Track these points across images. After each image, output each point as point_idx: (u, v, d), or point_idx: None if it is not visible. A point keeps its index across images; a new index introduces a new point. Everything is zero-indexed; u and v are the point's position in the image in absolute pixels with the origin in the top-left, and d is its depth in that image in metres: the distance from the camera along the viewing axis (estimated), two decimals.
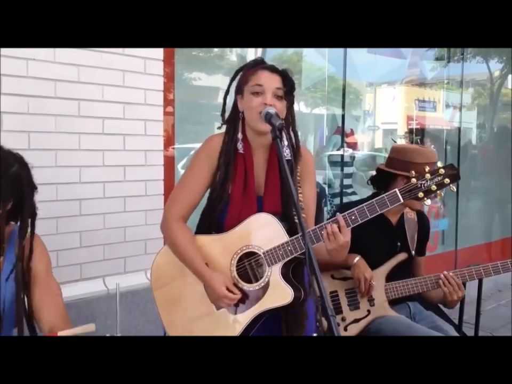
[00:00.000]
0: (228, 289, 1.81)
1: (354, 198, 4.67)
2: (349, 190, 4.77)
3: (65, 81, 2.60)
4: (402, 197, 1.80)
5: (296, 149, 1.95)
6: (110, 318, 2.69)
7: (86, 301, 2.71)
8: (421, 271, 2.70)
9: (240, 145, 1.92)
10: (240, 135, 1.92)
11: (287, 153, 1.85)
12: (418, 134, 6.11)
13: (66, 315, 1.78)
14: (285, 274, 1.84)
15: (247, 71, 1.90)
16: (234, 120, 1.94)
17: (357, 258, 2.43)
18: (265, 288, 1.83)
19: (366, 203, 1.81)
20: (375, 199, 1.82)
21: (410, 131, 6.22)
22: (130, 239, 2.89)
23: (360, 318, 2.47)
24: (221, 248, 1.88)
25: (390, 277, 2.51)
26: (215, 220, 1.92)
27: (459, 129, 5.88)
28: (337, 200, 4.67)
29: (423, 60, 5.92)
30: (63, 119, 2.61)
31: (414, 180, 1.81)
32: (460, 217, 5.66)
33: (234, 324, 1.85)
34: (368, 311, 2.48)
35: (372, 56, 5.14)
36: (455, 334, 2.50)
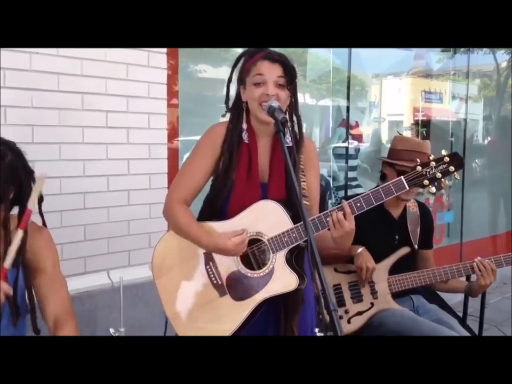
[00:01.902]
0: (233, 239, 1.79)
1: (359, 190, 4.65)
2: (354, 183, 4.76)
3: (69, 75, 2.60)
4: (407, 184, 1.81)
5: (299, 134, 1.95)
6: (114, 311, 2.70)
7: (90, 294, 2.72)
8: (428, 264, 2.69)
9: (245, 136, 1.91)
10: (245, 125, 1.92)
11: (288, 139, 1.84)
12: (424, 125, 6.07)
13: (71, 307, 1.79)
14: (289, 261, 1.84)
15: (247, 61, 1.88)
16: (238, 109, 1.93)
17: (361, 248, 2.44)
18: (269, 274, 1.83)
19: (371, 190, 1.82)
20: (380, 186, 1.83)
21: (416, 123, 6.17)
22: (134, 232, 2.91)
23: (364, 310, 2.48)
24: None
25: (394, 271, 2.51)
26: (218, 207, 1.91)
27: (465, 120, 5.83)
28: (341, 193, 4.65)
29: (429, 51, 5.87)
30: (67, 112, 2.61)
31: (419, 168, 1.82)
32: (466, 209, 5.63)
33: (238, 310, 1.84)
34: (372, 303, 2.49)
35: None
36: (459, 327, 2.49)
